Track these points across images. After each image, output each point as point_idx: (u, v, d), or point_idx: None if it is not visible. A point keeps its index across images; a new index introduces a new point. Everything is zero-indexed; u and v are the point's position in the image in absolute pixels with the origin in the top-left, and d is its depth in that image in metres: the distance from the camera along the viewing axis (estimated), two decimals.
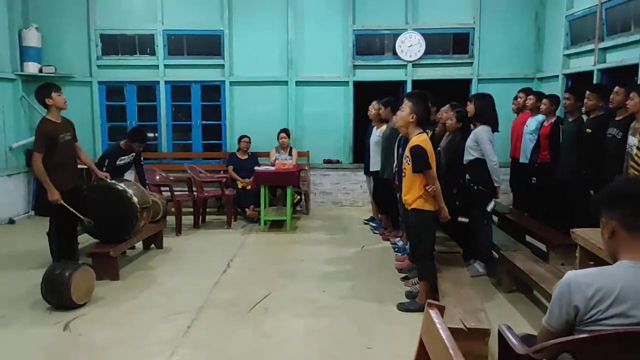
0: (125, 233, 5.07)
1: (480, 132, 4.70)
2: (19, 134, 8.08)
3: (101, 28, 8.49)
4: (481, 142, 4.65)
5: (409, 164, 3.86)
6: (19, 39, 8.05)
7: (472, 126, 5.06)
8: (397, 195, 5.43)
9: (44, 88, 4.79)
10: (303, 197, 8.26)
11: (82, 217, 4.78)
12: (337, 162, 8.66)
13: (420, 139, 3.85)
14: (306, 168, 8.45)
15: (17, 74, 8.02)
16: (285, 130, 8.09)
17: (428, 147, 3.85)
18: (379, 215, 7.02)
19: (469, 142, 4.78)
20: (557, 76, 7.43)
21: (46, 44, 8.36)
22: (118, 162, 5.91)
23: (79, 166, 5.15)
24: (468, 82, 8.41)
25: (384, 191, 6.22)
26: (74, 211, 4.71)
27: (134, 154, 6.07)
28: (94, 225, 4.84)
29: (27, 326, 3.84)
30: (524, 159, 6.34)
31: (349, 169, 8.64)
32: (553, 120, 5.96)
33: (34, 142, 4.64)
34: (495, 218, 6.11)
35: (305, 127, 8.63)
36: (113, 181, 5.16)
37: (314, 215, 8.11)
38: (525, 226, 5.57)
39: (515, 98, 6.90)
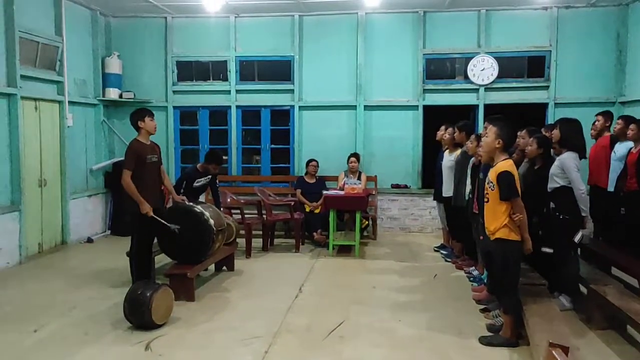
0: (202, 255, 5.12)
1: (567, 158, 4.59)
2: (99, 156, 8.46)
3: (177, 55, 8.80)
4: (568, 170, 4.53)
5: (492, 190, 3.78)
6: (102, 66, 8.47)
7: (552, 152, 4.98)
8: (472, 222, 5.39)
9: (139, 112, 4.97)
10: (370, 222, 8.22)
11: (170, 225, 4.83)
12: (406, 187, 8.62)
13: (507, 164, 3.78)
14: (374, 193, 8.40)
15: (99, 99, 8.42)
16: (356, 155, 8.09)
17: (515, 173, 3.77)
18: (452, 242, 6.92)
19: (554, 169, 4.66)
20: None
21: (126, 71, 8.75)
22: (195, 184, 6.02)
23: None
24: (543, 106, 8.25)
25: (458, 218, 6.13)
26: (162, 221, 4.79)
27: (209, 176, 6.17)
28: (175, 244, 4.91)
29: (110, 345, 3.91)
30: (610, 186, 6.10)
31: (418, 194, 8.58)
32: None
33: (124, 160, 4.79)
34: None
35: (374, 151, 8.63)
36: (191, 203, 5.24)
37: (382, 241, 8.06)
38: (612, 258, 5.32)
39: (594, 122, 6.59)
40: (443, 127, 6.87)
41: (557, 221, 4.62)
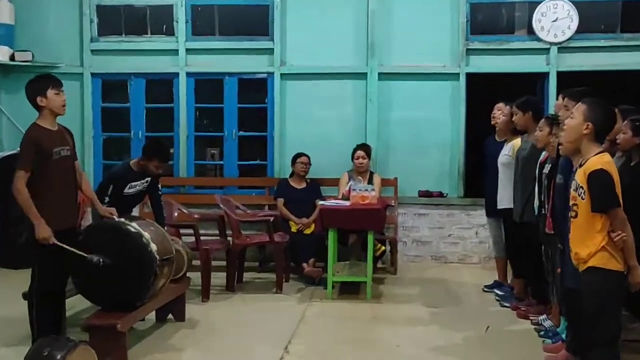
0: (138, 297, 5.07)
1: None
2: None
3: None
4: None
5: (583, 200, 3.85)
6: None
7: None
8: (543, 247, 5.47)
9: (39, 82, 4.93)
10: (389, 247, 8.25)
11: (87, 256, 4.80)
12: (441, 195, 8.63)
13: (602, 160, 3.84)
14: (393, 204, 8.39)
15: None
16: (364, 148, 8.16)
17: (615, 173, 3.83)
18: (512, 278, 6.99)
19: None
20: None
21: (21, 21, 8.68)
22: (127, 191, 5.99)
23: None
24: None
25: (521, 241, 6.21)
26: (74, 250, 4.75)
27: (148, 178, 6.15)
28: (98, 282, 4.87)
29: None
30: None
31: (459, 205, 8.59)
32: None
33: (19, 156, 4.77)
34: None
35: (393, 141, 8.65)
36: (122, 219, 5.19)
37: (405, 275, 8.08)
38: None
39: None
40: (501, 106, 6.95)
41: None
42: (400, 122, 8.66)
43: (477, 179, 7.97)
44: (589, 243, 3.84)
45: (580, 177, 3.87)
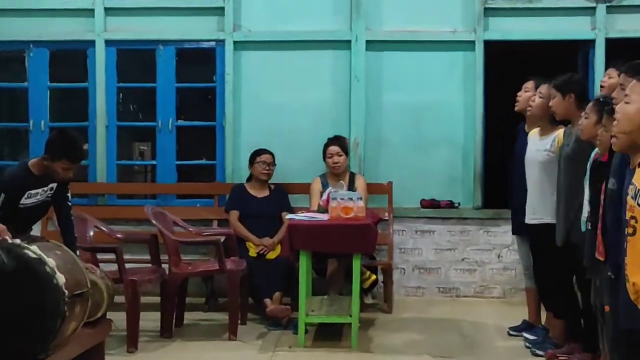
0: (40, 347, 4.86)
1: None
2: None
3: None
4: None
5: None
6: None
7: None
8: (591, 278, 5.46)
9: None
10: (381, 277, 8.30)
11: None
12: (451, 205, 8.70)
13: None
14: (386, 217, 8.44)
15: None
16: (339, 142, 8.24)
17: None
18: (547, 318, 7.00)
19: None
20: None
21: None
22: (24, 201, 5.96)
23: None
24: None
25: (560, 269, 6.27)
26: None
27: (53, 184, 6.08)
28: None
29: None
30: None
31: (475, 220, 8.69)
32: None
33: None
34: None
35: (385, 134, 8.75)
36: (16, 241, 5.00)
37: (403, 314, 8.09)
38: None
39: None
40: (529, 85, 6.96)
41: None
42: (396, 107, 8.72)
43: (501, 184, 7.98)
44: None
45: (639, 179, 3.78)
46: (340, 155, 8.07)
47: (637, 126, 3.83)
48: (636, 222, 3.72)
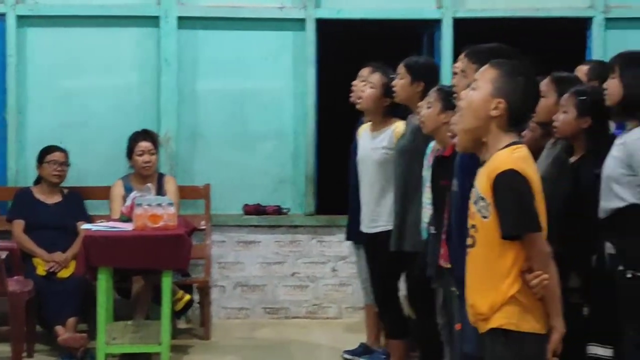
0: None
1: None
2: None
3: None
4: None
5: (485, 219, 3.79)
6: None
7: (611, 127, 5.40)
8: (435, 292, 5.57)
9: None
10: (198, 297, 8.04)
11: None
12: (279, 211, 8.44)
13: (513, 155, 3.80)
14: (203, 226, 8.14)
15: None
16: (150, 137, 7.95)
17: (533, 174, 3.81)
18: (387, 339, 6.93)
19: (613, 165, 4.85)
20: None
21: None
22: None
23: None
24: (581, 25, 8.63)
25: (396, 281, 6.26)
26: None
27: None
28: None
29: None
30: None
31: (307, 227, 8.51)
32: None
33: None
34: None
35: (201, 127, 8.52)
36: None
37: (224, 340, 7.86)
38: None
39: None
40: (366, 72, 6.79)
41: (624, 285, 4.77)
42: (214, 96, 8.54)
43: (338, 186, 7.75)
44: (491, 290, 3.80)
45: (482, 183, 3.83)
46: (153, 154, 7.80)
47: (483, 119, 3.85)
48: (476, 231, 3.83)
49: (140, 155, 7.75)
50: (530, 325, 3.71)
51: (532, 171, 3.79)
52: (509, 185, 3.68)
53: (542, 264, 3.69)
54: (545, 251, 3.73)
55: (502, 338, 3.74)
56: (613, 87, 4.89)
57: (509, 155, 3.73)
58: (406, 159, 5.98)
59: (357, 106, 6.86)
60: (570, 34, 8.91)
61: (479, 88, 3.85)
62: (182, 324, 7.98)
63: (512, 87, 3.82)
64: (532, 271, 3.66)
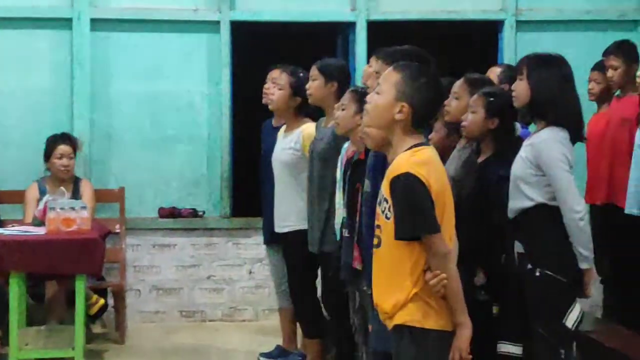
0: None
1: (547, 142, 4.89)
2: None
3: None
4: (550, 167, 4.83)
5: (388, 219, 3.86)
6: None
7: (518, 128, 5.47)
8: (357, 292, 5.47)
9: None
10: (112, 301, 7.95)
11: None
12: (194, 214, 8.44)
13: (413, 158, 3.84)
14: (117, 230, 8.11)
15: None
16: (69, 140, 7.83)
17: (433, 177, 3.83)
18: (304, 340, 6.94)
19: (521, 165, 4.93)
20: None
21: None
22: None
23: None
24: (493, 28, 8.69)
25: (310, 282, 6.44)
26: None
27: None
28: None
29: None
30: (633, 205, 6.51)
31: (223, 230, 8.52)
32: None
33: None
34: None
35: (115, 131, 8.42)
36: None
37: (139, 343, 7.84)
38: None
39: (600, 68, 7.26)
40: (274, 73, 6.84)
41: (532, 284, 4.84)
42: (129, 99, 8.41)
43: (252, 189, 7.80)
44: (395, 288, 3.87)
45: (384, 184, 3.92)
46: (71, 158, 7.70)
47: (388, 121, 3.89)
48: (381, 232, 3.89)
49: (59, 158, 7.66)
50: (433, 322, 3.77)
51: (431, 173, 3.80)
52: (404, 188, 3.74)
53: (440, 264, 3.75)
54: (443, 251, 3.79)
55: (407, 335, 3.81)
56: (521, 89, 4.96)
57: (407, 159, 3.78)
58: (325, 162, 5.99)
59: (269, 107, 6.89)
60: (484, 36, 8.98)
61: (383, 92, 3.90)
62: (97, 329, 7.91)
63: (416, 90, 3.85)
64: (432, 268, 3.74)
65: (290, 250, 6.54)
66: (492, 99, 5.16)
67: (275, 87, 6.78)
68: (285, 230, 6.52)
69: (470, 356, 3.92)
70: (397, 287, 3.82)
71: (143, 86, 8.45)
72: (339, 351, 6.32)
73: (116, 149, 8.37)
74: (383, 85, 3.94)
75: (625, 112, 6.85)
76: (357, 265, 5.10)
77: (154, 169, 8.41)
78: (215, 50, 8.42)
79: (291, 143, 6.51)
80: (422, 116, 3.91)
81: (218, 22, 8.33)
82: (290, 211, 6.47)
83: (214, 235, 8.40)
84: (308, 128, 6.42)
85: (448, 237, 3.88)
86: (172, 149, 8.46)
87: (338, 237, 5.66)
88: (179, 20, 8.39)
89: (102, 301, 7.56)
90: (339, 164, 5.74)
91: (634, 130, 6.55)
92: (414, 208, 3.74)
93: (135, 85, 8.44)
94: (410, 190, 3.74)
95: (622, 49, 7.05)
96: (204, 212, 8.39)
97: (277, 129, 6.96)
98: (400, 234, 3.75)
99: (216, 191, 8.46)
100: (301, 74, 6.54)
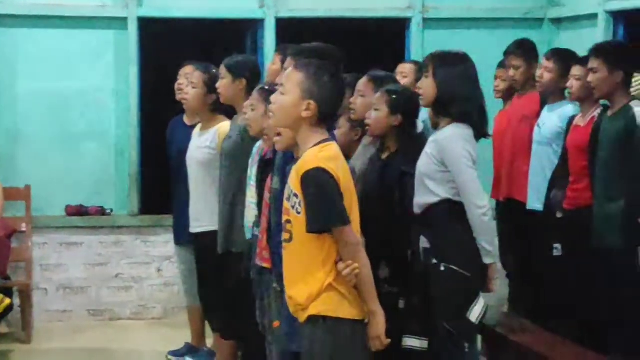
0: None
1: (451, 138, 4.98)
2: None
3: None
4: (454, 163, 4.94)
5: (299, 214, 3.95)
6: None
7: (421, 125, 5.56)
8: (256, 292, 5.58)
9: None
10: (18, 300, 7.93)
11: None
12: (102, 212, 8.40)
13: (321, 154, 3.94)
14: (23, 229, 8.06)
15: None
16: None
17: (341, 171, 3.93)
18: (215, 338, 6.85)
19: (427, 162, 5.03)
20: (595, 15, 7.79)
21: None
22: None
23: None
24: (401, 26, 8.78)
25: (224, 282, 6.25)
26: None
27: None
28: None
29: None
30: (535, 200, 6.71)
31: (131, 228, 8.50)
32: (596, 113, 6.23)
33: None
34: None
35: (21, 128, 8.36)
36: None
37: (46, 344, 7.81)
38: (542, 353, 5.65)
39: (504, 65, 7.38)
40: (187, 70, 6.93)
41: (437, 278, 4.94)
42: (34, 96, 8.33)
43: (161, 186, 7.85)
44: (308, 280, 3.95)
45: (293, 180, 3.98)
46: None
47: (289, 122, 4.01)
48: (292, 226, 3.95)
49: None
50: (347, 311, 3.88)
51: (339, 168, 3.91)
52: (314, 182, 3.82)
53: (352, 254, 3.85)
54: (353, 242, 3.89)
55: (321, 324, 3.89)
56: (427, 87, 5.09)
57: (316, 154, 3.87)
58: (233, 160, 6.01)
59: (184, 106, 6.92)
60: (394, 33, 9.01)
61: (287, 92, 3.96)
62: (2, 329, 7.85)
63: (320, 87, 3.93)
64: (343, 260, 3.84)
65: (202, 250, 6.54)
66: (394, 96, 5.24)
67: (189, 85, 6.75)
68: (198, 230, 6.53)
69: (389, 339, 4.01)
70: (311, 278, 3.90)
71: (50, 83, 8.37)
72: (247, 351, 6.38)
73: (22, 147, 8.32)
74: (287, 85, 4.00)
75: (525, 110, 6.99)
76: (264, 263, 5.13)
77: (61, 167, 8.35)
78: (123, 47, 8.39)
79: (207, 142, 6.49)
80: (328, 112, 3.99)
81: (125, 19, 8.29)
82: (204, 211, 6.45)
83: (122, 233, 8.40)
84: (223, 127, 6.41)
85: (356, 230, 3.95)
86: (79, 147, 8.40)
87: (249, 236, 5.66)
88: (86, 17, 8.33)
89: (7, 301, 7.50)
90: (250, 162, 5.75)
91: (534, 127, 6.76)
92: (325, 201, 3.83)
93: (42, 82, 8.36)
94: (322, 184, 3.83)
95: (522, 48, 7.17)
96: (112, 210, 8.38)
97: (190, 127, 6.95)
98: (313, 227, 3.83)
99: (124, 189, 8.44)
100: (214, 71, 6.54)
